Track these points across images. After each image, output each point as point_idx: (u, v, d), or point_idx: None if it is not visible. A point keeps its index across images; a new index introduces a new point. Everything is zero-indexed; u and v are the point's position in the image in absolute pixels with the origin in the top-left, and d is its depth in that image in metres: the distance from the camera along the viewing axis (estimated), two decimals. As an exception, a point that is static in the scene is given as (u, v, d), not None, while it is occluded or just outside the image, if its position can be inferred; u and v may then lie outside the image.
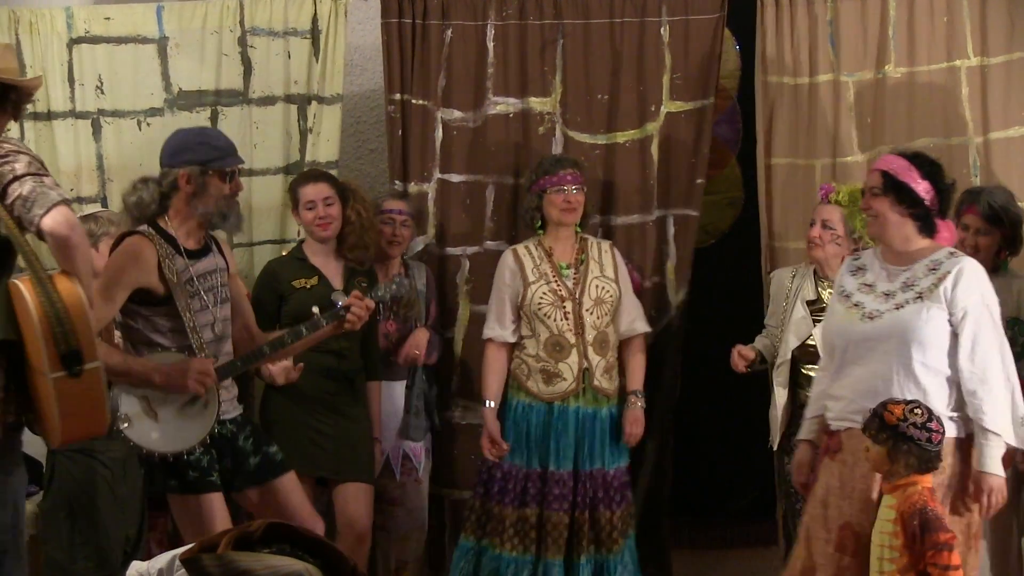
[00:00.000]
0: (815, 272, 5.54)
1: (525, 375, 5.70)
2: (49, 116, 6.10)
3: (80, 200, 6.01)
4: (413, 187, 6.04)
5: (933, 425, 4.28)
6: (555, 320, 5.64)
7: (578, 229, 5.76)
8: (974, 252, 5.27)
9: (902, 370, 4.52)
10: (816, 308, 5.44)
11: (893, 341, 4.54)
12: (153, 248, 4.53)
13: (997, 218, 5.38)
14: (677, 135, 6.02)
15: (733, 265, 5.71)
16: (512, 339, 5.73)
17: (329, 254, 5.65)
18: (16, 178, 3.79)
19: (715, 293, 6.06)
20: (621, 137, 6.07)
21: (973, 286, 4.56)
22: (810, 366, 5.37)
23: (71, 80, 6.10)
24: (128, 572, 3.63)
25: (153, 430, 4.54)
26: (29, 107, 5.87)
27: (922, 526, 4.19)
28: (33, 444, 4.36)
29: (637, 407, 5.69)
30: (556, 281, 5.67)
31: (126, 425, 4.52)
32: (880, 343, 4.56)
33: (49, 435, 3.98)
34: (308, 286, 5.55)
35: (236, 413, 4.80)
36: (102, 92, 6.11)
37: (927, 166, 4.66)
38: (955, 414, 4.53)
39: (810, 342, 5.42)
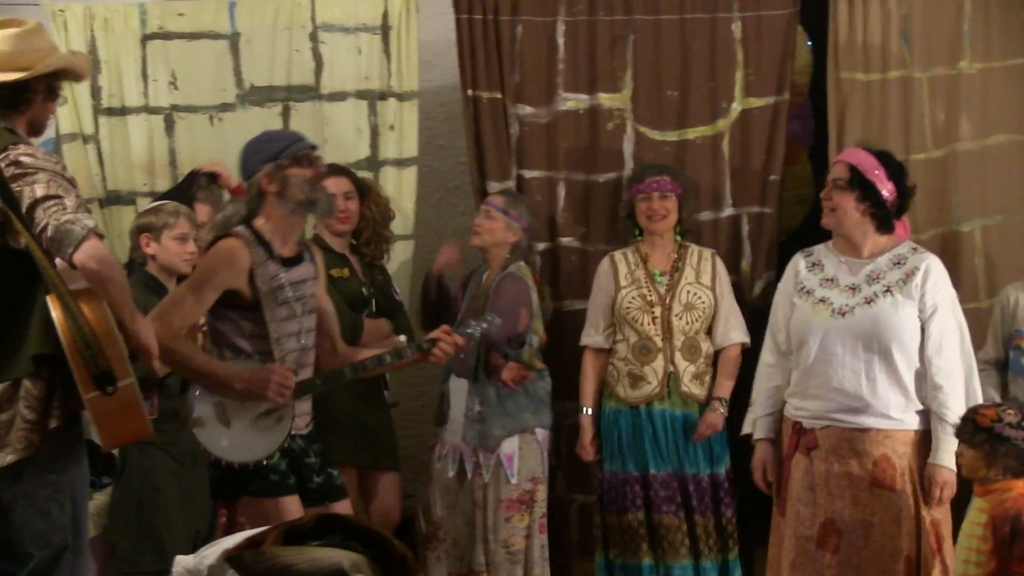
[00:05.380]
0: None
1: (615, 380, 5.73)
2: (123, 111, 6.17)
3: (153, 195, 6.02)
4: (495, 185, 6.00)
5: None
6: (643, 324, 5.66)
7: (678, 237, 5.76)
8: None
9: (880, 364, 4.60)
10: None
11: (870, 336, 4.60)
12: (248, 252, 4.49)
13: None
14: (751, 132, 5.99)
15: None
16: (606, 345, 5.75)
17: (345, 247, 5.70)
18: (36, 202, 3.80)
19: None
20: (692, 134, 6.03)
21: (941, 283, 4.68)
22: None
23: (145, 76, 6.16)
24: (175, 569, 3.62)
25: (224, 437, 4.52)
26: (103, 102, 6.05)
27: (1012, 533, 4.15)
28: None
29: (716, 412, 5.65)
30: (647, 286, 5.68)
31: (199, 428, 4.52)
32: (855, 338, 4.62)
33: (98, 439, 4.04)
34: (344, 276, 5.60)
35: (308, 430, 4.77)
36: (175, 87, 6.17)
37: (893, 166, 4.74)
38: (923, 407, 4.66)
39: None
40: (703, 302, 5.69)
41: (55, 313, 3.84)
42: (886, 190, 4.67)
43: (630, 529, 5.68)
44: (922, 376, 4.63)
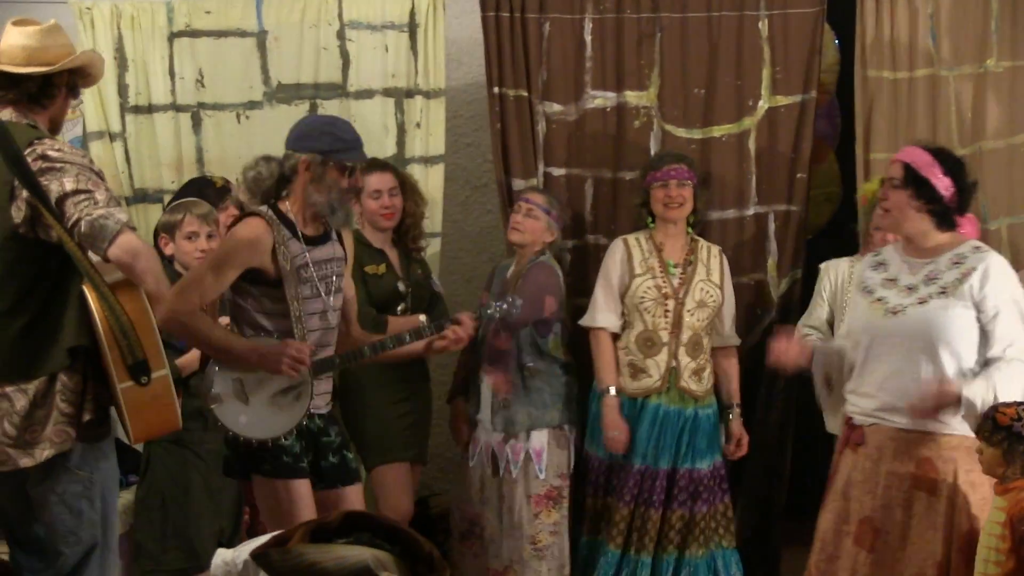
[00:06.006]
0: None
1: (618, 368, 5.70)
2: (150, 109, 6.17)
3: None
4: (519, 183, 6.01)
5: None
6: (654, 316, 5.62)
7: (689, 230, 5.75)
8: None
9: (927, 366, 4.51)
10: None
11: (917, 337, 4.53)
12: (270, 231, 4.47)
13: None
14: (777, 130, 5.99)
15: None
16: (619, 329, 5.69)
17: (386, 241, 5.68)
18: (65, 196, 3.83)
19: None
20: (717, 131, 6.03)
21: (1002, 283, 4.53)
22: None
23: (172, 73, 6.16)
24: (214, 561, 3.64)
25: (242, 413, 4.51)
26: (130, 100, 6.07)
27: None
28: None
29: (739, 420, 5.70)
30: (662, 277, 5.65)
31: (217, 404, 4.51)
32: (904, 339, 4.55)
33: (127, 432, 4.05)
34: (379, 272, 5.59)
35: (327, 409, 4.76)
36: (202, 85, 6.18)
37: (950, 162, 4.64)
38: None
39: None
40: (713, 300, 5.67)
41: (92, 302, 3.86)
42: (942, 186, 4.60)
43: (608, 514, 5.69)
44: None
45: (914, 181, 4.59)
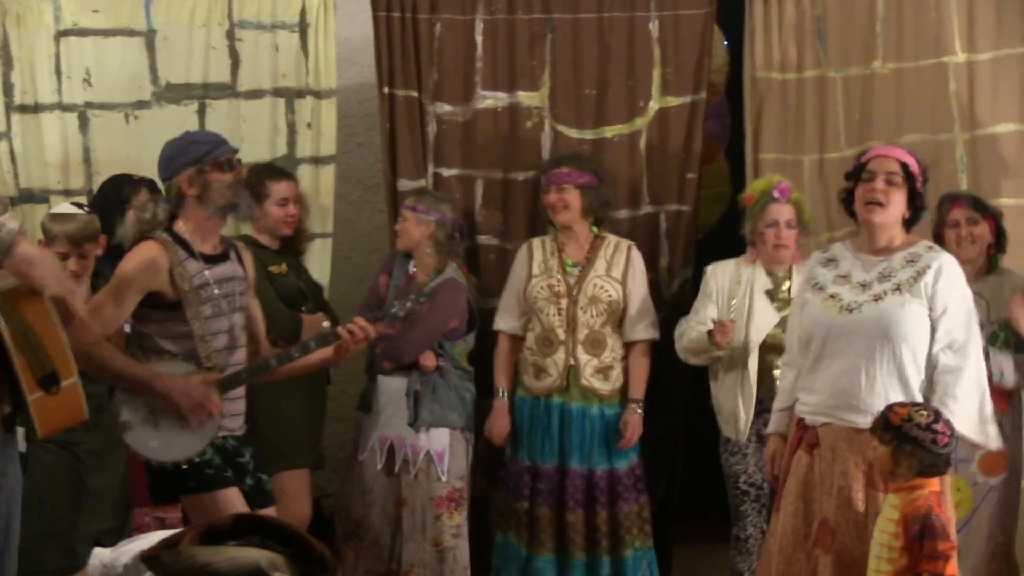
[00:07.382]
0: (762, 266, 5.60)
1: (523, 369, 5.76)
2: (36, 108, 6.07)
3: (67, 193, 5.99)
4: (407, 183, 6.01)
5: (939, 427, 4.24)
6: (548, 315, 5.67)
7: (595, 228, 5.78)
8: (971, 243, 5.37)
9: (883, 363, 4.52)
10: (776, 299, 5.51)
11: (874, 333, 4.53)
12: (165, 253, 4.48)
13: (983, 205, 5.47)
14: (668, 130, 6.04)
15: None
16: (519, 331, 5.78)
17: (276, 246, 5.66)
18: None
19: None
20: (609, 132, 6.07)
21: (954, 282, 4.57)
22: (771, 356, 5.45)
23: (58, 72, 6.08)
24: (91, 561, 3.60)
25: (153, 438, 4.51)
26: (16, 99, 5.97)
27: (922, 532, 4.16)
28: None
29: (634, 415, 5.67)
30: (557, 277, 5.69)
31: (127, 432, 4.51)
32: (860, 336, 4.55)
33: (34, 428, 3.99)
34: (283, 271, 5.58)
35: (241, 431, 4.74)
36: (89, 85, 6.09)
37: (924, 171, 4.69)
38: None
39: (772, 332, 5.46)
40: (609, 296, 5.69)
41: None
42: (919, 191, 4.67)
43: (516, 516, 5.73)
44: (930, 378, 4.57)
45: (910, 181, 4.62)
